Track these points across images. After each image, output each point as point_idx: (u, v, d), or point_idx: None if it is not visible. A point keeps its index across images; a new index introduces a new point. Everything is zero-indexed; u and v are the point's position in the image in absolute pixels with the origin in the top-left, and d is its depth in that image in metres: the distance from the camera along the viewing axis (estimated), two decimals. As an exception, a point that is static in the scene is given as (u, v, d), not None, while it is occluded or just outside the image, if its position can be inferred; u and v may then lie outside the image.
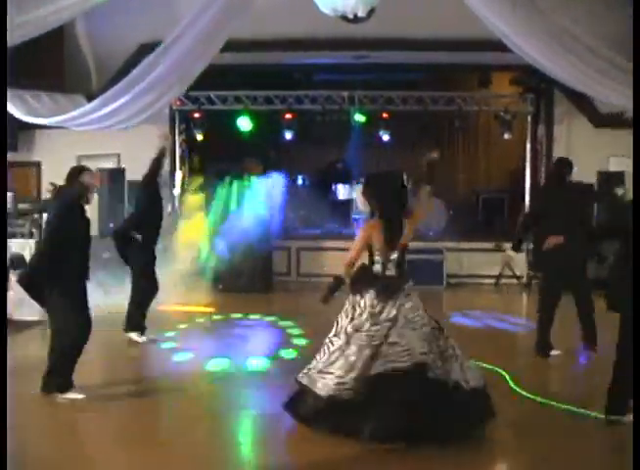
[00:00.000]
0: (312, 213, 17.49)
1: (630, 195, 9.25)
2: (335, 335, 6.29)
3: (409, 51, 14.65)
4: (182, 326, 11.02)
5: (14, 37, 9.05)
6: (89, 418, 6.86)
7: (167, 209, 16.51)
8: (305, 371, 6.33)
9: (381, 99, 16.76)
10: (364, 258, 6.56)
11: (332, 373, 6.07)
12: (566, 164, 9.60)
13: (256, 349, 9.71)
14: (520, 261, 15.70)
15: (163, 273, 10.67)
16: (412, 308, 6.36)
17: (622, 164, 15.45)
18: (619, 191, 14.37)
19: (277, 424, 6.52)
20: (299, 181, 18.58)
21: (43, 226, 9.94)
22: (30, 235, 11.96)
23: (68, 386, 7.23)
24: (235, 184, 14.63)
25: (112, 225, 13.57)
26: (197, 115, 16.81)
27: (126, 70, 12.78)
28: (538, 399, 7.28)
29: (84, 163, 14.71)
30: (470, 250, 16.00)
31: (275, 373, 8.48)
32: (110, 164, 15.77)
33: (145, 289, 10.00)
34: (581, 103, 15.47)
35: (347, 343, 6.13)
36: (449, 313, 11.96)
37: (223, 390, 7.89)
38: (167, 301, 11.44)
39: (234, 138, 17.55)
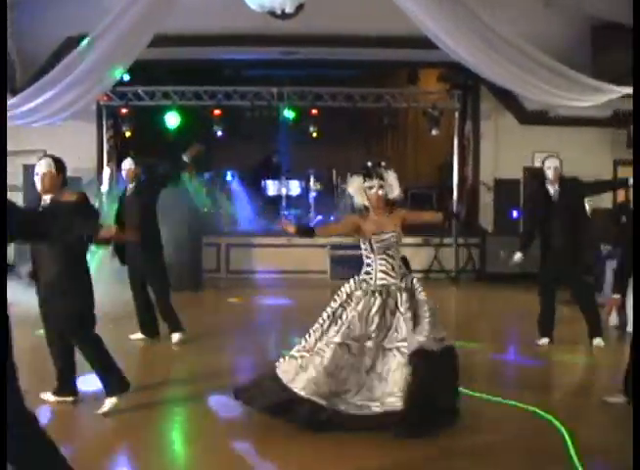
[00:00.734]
0: (242, 210, 17.46)
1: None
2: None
3: (338, 47, 14.69)
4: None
5: None
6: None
7: (96, 205, 16.34)
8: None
9: (310, 95, 16.78)
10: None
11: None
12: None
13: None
14: (448, 256, 15.90)
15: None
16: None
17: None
18: None
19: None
20: (229, 177, 18.49)
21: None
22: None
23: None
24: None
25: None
26: (124, 110, 16.62)
27: (52, 64, 12.60)
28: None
29: (9, 159, 14.47)
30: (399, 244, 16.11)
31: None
32: (35, 161, 15.48)
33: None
34: (507, 100, 15.73)
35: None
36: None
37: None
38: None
39: (162, 134, 17.40)
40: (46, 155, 7.56)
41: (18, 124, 13.36)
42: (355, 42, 14.44)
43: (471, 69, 11.88)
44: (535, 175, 15.22)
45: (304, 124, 17.27)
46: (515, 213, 15.92)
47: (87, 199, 6.87)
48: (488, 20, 10.36)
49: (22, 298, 8.48)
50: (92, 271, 6.89)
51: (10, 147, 14.81)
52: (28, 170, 14.04)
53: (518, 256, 9.37)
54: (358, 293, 6.35)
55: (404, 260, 6.65)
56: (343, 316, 6.26)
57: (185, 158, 9.98)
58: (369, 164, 6.73)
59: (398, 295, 6.27)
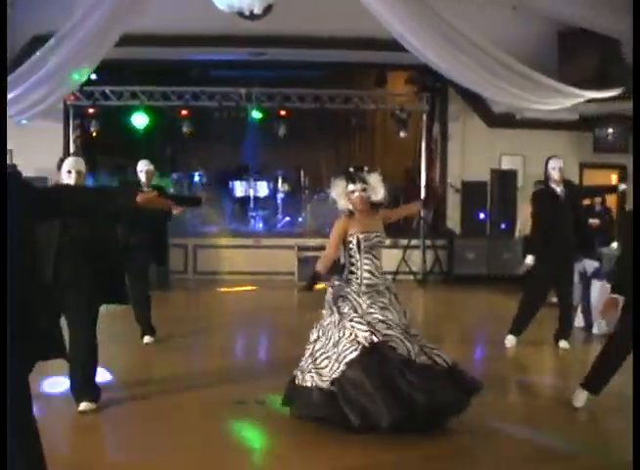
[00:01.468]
0: (209, 211, 17.43)
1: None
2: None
3: (306, 49, 14.70)
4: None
5: None
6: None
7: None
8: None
9: (278, 96, 16.77)
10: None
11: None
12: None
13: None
14: (416, 258, 15.96)
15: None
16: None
17: (514, 162, 15.91)
18: None
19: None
20: (196, 178, 18.44)
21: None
22: None
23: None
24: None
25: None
26: (91, 110, 16.52)
27: (18, 62, 12.50)
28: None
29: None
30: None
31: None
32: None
33: None
34: (475, 103, 15.82)
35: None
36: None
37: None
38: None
39: (130, 134, 17.31)
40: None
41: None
42: (324, 43, 14.45)
43: (439, 71, 11.95)
44: (501, 177, 15.45)
45: (272, 125, 17.24)
46: (482, 215, 16.03)
47: None
48: (456, 23, 10.42)
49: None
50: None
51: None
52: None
53: (530, 258, 9.38)
54: (348, 289, 6.38)
55: None
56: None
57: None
58: (351, 168, 6.74)
59: (387, 294, 6.37)
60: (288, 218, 17.66)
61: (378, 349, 5.96)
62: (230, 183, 18.43)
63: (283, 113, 16.96)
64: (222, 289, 14.57)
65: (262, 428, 6.32)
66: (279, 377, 6.89)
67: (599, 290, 10.15)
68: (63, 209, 4.54)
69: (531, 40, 13.56)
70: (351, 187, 6.45)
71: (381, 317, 6.15)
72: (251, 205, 17.85)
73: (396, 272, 15.69)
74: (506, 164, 16.07)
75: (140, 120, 16.94)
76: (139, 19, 10.60)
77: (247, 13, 9.33)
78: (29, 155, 15.41)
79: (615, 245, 11.40)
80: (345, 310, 6.23)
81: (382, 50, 13.93)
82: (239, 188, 18.36)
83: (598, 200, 13.24)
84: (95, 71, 11.99)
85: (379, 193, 6.52)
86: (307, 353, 6.37)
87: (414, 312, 12.56)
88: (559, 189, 9.31)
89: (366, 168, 6.67)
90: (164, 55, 15.53)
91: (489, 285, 14.41)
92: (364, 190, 6.45)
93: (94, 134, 16.73)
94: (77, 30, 10.51)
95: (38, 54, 11.34)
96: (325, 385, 6.04)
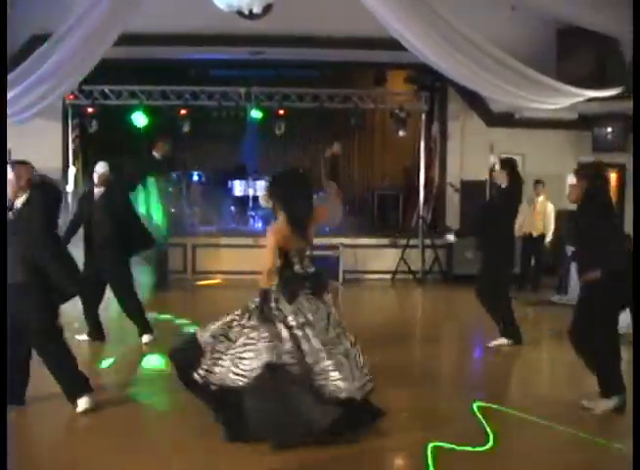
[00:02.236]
0: (208, 210, 17.43)
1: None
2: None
3: (305, 48, 14.70)
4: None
5: None
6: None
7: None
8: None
9: (277, 96, 16.76)
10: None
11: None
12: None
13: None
14: (415, 257, 15.95)
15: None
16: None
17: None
18: None
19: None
20: (195, 177, 18.42)
21: None
22: None
23: None
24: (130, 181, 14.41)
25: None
26: (90, 109, 16.51)
27: (17, 61, 12.48)
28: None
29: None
30: (366, 246, 16.18)
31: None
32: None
33: None
34: (474, 102, 15.82)
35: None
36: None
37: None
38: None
39: (129, 133, 17.31)
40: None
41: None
42: (323, 43, 14.45)
43: (438, 70, 11.94)
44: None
45: (272, 125, 17.24)
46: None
47: None
48: (455, 22, 10.41)
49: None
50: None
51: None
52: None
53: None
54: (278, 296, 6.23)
55: None
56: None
57: (156, 155, 10.00)
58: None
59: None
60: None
61: (274, 368, 5.88)
62: (229, 182, 18.42)
63: (282, 112, 16.96)
64: (199, 285, 14.54)
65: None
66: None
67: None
68: None
69: (530, 39, 13.55)
70: None
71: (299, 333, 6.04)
72: (250, 204, 17.83)
73: (395, 272, 15.71)
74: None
75: (139, 120, 16.94)
76: (138, 18, 10.58)
77: (246, 12, 9.31)
78: (28, 154, 15.25)
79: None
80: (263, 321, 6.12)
81: (381, 49, 13.93)
82: (238, 187, 18.34)
83: None
84: (94, 71, 11.96)
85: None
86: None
87: (413, 312, 12.59)
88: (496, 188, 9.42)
89: (300, 171, 6.61)
90: (164, 54, 15.53)
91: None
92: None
93: (93, 133, 16.72)
94: (76, 30, 10.49)
95: (37, 53, 11.31)
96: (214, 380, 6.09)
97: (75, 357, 6.74)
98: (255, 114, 17.24)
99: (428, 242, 15.98)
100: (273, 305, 6.10)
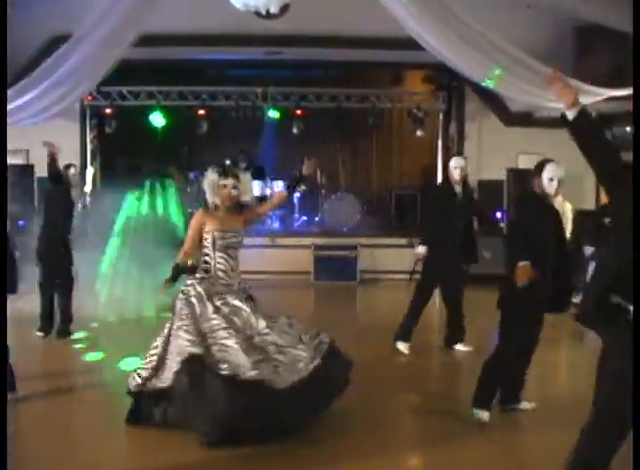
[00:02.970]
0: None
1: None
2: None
3: (322, 48, 14.69)
4: (94, 325, 10.78)
5: None
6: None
7: (78, 206, 16.31)
8: None
9: (294, 96, 16.78)
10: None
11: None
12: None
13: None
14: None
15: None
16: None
17: (531, 161, 15.77)
18: None
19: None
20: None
21: None
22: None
23: None
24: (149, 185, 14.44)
25: (21, 223, 13.33)
26: (108, 110, 16.58)
27: (36, 62, 12.54)
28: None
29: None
30: (383, 246, 16.15)
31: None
32: (18, 161, 15.49)
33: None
34: (492, 101, 15.76)
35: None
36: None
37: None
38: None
39: (147, 134, 17.38)
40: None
41: None
42: (340, 42, 14.44)
43: (455, 69, 11.90)
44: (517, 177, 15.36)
45: (289, 125, 17.26)
46: (498, 215, 15.95)
47: None
48: (470, 20, 10.38)
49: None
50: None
51: (-8, 146, 14.83)
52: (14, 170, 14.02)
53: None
54: (200, 290, 6.21)
55: None
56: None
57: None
58: (227, 162, 6.72)
59: (235, 295, 6.25)
60: (304, 218, 17.66)
61: (197, 362, 5.86)
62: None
63: (299, 112, 16.97)
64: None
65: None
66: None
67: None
68: None
69: (546, 37, 13.48)
70: (223, 181, 6.34)
71: (223, 324, 6.01)
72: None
73: (413, 272, 15.65)
74: (523, 164, 15.97)
75: (157, 120, 17.00)
76: (155, 18, 10.60)
77: (263, 12, 9.31)
78: (45, 155, 15.47)
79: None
80: (183, 315, 6.11)
81: (398, 48, 13.89)
82: (255, 187, 18.33)
83: None
84: (112, 72, 12.00)
85: (247, 194, 6.47)
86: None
87: (430, 313, 12.52)
88: (458, 188, 9.30)
89: (243, 166, 6.63)
90: (181, 54, 15.57)
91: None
92: (235, 187, 6.36)
93: (111, 134, 16.79)
94: (95, 31, 10.53)
95: (56, 55, 11.36)
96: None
97: None
98: (273, 114, 17.28)
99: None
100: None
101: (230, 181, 6.32)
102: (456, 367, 8.85)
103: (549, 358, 8.70)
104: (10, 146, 14.54)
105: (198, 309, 6.08)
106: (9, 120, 12.75)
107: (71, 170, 10.24)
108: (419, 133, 16.91)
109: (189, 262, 6.40)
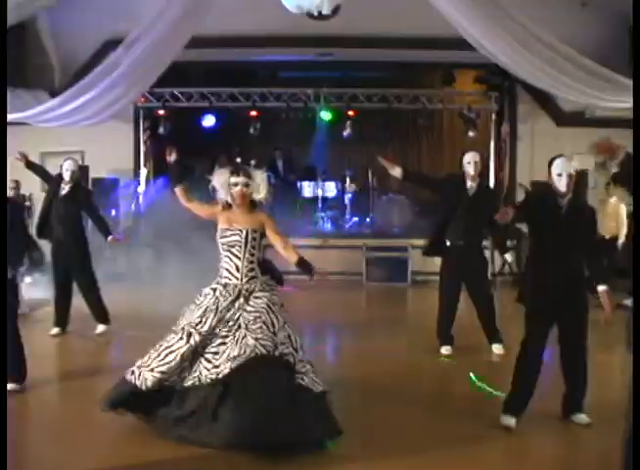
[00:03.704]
0: (277, 211, 17.48)
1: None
2: None
3: (374, 49, 14.69)
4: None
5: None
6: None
7: (131, 206, 16.51)
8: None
9: (345, 97, 16.79)
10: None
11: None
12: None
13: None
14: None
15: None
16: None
17: (585, 162, 15.63)
18: None
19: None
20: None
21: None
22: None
23: None
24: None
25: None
26: (161, 112, 16.74)
27: (90, 66, 12.73)
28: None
29: (47, 160, 14.62)
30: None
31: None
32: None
33: None
34: (544, 101, 15.63)
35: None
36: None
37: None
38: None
39: (199, 135, 17.51)
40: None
41: (56, 126, 13.53)
42: (391, 43, 14.44)
43: (507, 69, 11.83)
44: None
45: (340, 126, 17.27)
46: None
47: None
48: (524, 21, 10.30)
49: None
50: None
51: (49, 148, 15.10)
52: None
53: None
54: (207, 288, 6.23)
55: (265, 264, 6.57)
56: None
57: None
58: (238, 160, 6.65)
59: (230, 295, 6.11)
60: (356, 219, 17.64)
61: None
62: (298, 183, 18.44)
63: (351, 113, 16.98)
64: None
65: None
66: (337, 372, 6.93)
67: None
68: None
69: (601, 37, 13.34)
70: (234, 179, 6.24)
71: (194, 321, 6.02)
72: (319, 205, 17.82)
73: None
74: (577, 165, 15.78)
75: (209, 122, 17.12)
76: (207, 20, 10.69)
77: (315, 13, 9.34)
78: (100, 156, 15.71)
79: None
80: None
81: (449, 49, 13.84)
82: (307, 188, 18.36)
83: None
84: (164, 73, 12.12)
85: (262, 191, 6.34)
86: None
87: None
88: (471, 184, 9.33)
89: (253, 163, 6.54)
90: (233, 56, 15.68)
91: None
92: (247, 185, 6.25)
93: (163, 135, 16.95)
94: (148, 34, 10.64)
95: (110, 58, 11.51)
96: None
97: None
98: (324, 115, 17.29)
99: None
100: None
101: (241, 179, 6.23)
102: (499, 369, 8.74)
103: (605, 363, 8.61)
104: (65, 147, 14.92)
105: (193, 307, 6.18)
106: (65, 122, 12.99)
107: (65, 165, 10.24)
108: (470, 134, 16.81)
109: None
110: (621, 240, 13.99)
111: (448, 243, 9.14)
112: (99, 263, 10.70)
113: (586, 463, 5.86)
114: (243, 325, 5.95)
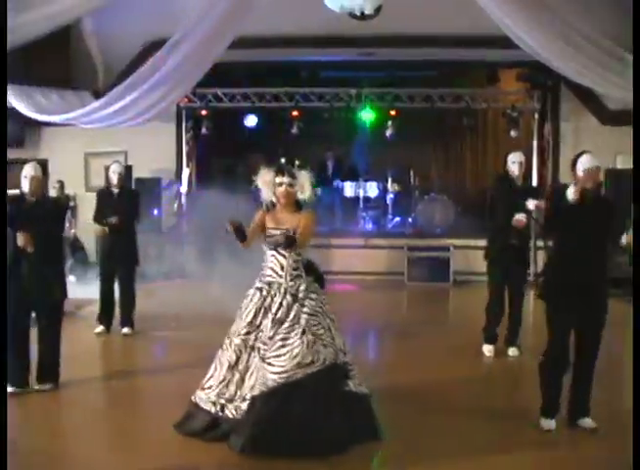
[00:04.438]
0: (320, 212, 17.47)
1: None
2: None
3: (416, 48, 14.63)
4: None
5: (20, 35, 9.05)
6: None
7: (174, 205, 16.61)
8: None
9: (388, 96, 16.75)
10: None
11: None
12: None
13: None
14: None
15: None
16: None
17: (630, 161, 15.45)
18: None
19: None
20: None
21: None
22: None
23: None
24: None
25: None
26: (204, 112, 16.83)
27: (134, 67, 12.83)
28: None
29: (91, 160, 14.77)
30: (476, 247, 15.95)
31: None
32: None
33: None
34: (588, 99, 15.44)
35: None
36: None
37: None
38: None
39: (241, 136, 17.58)
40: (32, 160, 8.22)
41: (100, 127, 13.65)
42: (434, 42, 14.35)
43: (550, 66, 11.71)
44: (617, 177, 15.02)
45: (382, 126, 17.23)
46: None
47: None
48: (567, 16, 10.20)
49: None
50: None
51: (93, 149, 15.25)
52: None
53: None
54: (251, 290, 6.22)
55: (309, 265, 6.44)
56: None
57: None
58: (282, 160, 6.59)
59: (277, 294, 6.06)
60: (398, 219, 17.59)
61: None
62: (340, 183, 18.40)
63: (393, 112, 16.94)
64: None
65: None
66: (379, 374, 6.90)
67: None
68: None
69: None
70: (279, 179, 6.20)
71: (245, 322, 6.06)
72: (361, 205, 17.77)
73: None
74: (621, 164, 15.58)
75: (251, 122, 17.18)
76: (249, 21, 10.71)
77: (358, 13, 9.35)
78: (143, 156, 15.83)
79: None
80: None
81: (492, 47, 13.74)
82: (348, 188, 18.31)
83: None
84: (207, 74, 12.19)
85: (306, 191, 6.28)
86: None
87: (525, 318, 12.34)
88: (517, 184, 9.16)
89: (298, 163, 6.47)
90: (275, 56, 15.70)
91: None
92: (291, 185, 6.20)
93: (206, 135, 17.04)
94: (191, 35, 10.70)
95: (153, 59, 11.59)
96: None
97: None
98: (366, 114, 17.25)
99: (540, 244, 15.65)
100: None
101: (286, 179, 6.19)
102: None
103: None
104: (109, 148, 15.06)
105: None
106: (109, 123, 13.11)
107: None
108: (513, 134, 16.65)
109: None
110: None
111: (500, 244, 9.14)
112: (143, 263, 10.82)
113: None
114: (307, 329, 5.93)
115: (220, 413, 5.95)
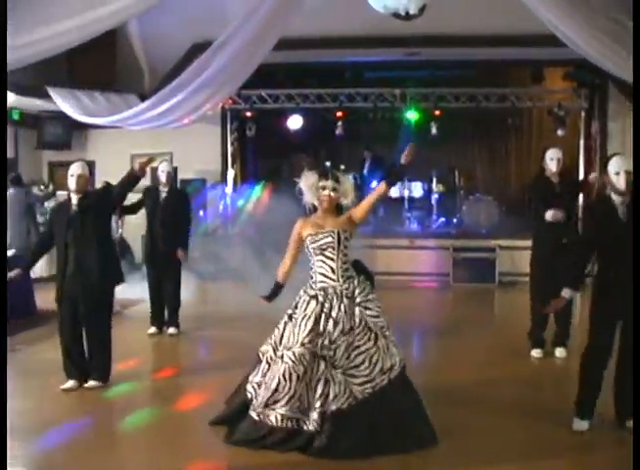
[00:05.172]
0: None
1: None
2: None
3: (461, 47, 14.55)
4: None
5: (67, 41, 9.12)
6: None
7: (219, 207, 16.70)
8: None
9: (432, 96, 16.69)
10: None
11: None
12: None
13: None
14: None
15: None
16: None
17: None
18: None
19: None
20: (350, 179, 18.46)
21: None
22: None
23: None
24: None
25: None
26: (249, 113, 16.89)
27: (179, 69, 12.92)
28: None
29: (137, 161, 14.89)
30: (522, 248, 15.84)
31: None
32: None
33: None
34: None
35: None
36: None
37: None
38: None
39: (286, 137, 17.63)
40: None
41: (146, 128, 13.77)
42: (478, 42, 14.26)
43: (598, 65, 11.58)
44: None
45: (427, 125, 17.17)
46: None
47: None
48: (614, 13, 10.06)
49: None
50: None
51: (139, 150, 15.39)
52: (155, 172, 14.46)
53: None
54: (303, 298, 6.08)
55: (357, 264, 6.31)
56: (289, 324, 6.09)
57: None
58: (327, 163, 6.54)
59: (335, 298, 5.95)
60: (443, 219, 17.53)
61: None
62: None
63: (437, 112, 16.88)
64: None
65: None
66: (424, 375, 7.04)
67: None
68: None
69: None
70: (322, 183, 6.15)
71: (306, 331, 5.86)
72: (406, 205, 17.74)
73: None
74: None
75: (296, 123, 17.22)
76: (294, 23, 10.73)
77: (402, 13, 9.30)
78: (189, 157, 15.94)
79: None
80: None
81: (538, 46, 13.62)
82: (393, 188, 18.25)
83: None
84: (252, 75, 12.24)
85: (349, 196, 6.25)
86: None
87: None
88: (555, 181, 9.03)
89: (342, 167, 6.39)
90: (319, 57, 15.70)
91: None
92: (335, 189, 6.14)
93: (251, 137, 17.11)
94: (236, 37, 10.74)
95: (198, 61, 11.66)
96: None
97: None
98: (411, 115, 17.21)
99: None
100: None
101: (330, 183, 6.15)
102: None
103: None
104: (155, 149, 15.19)
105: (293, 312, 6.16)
106: (155, 124, 13.22)
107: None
108: (560, 133, 16.49)
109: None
110: None
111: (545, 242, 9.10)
112: (188, 264, 10.90)
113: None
114: (378, 333, 5.93)
115: (296, 426, 5.82)
